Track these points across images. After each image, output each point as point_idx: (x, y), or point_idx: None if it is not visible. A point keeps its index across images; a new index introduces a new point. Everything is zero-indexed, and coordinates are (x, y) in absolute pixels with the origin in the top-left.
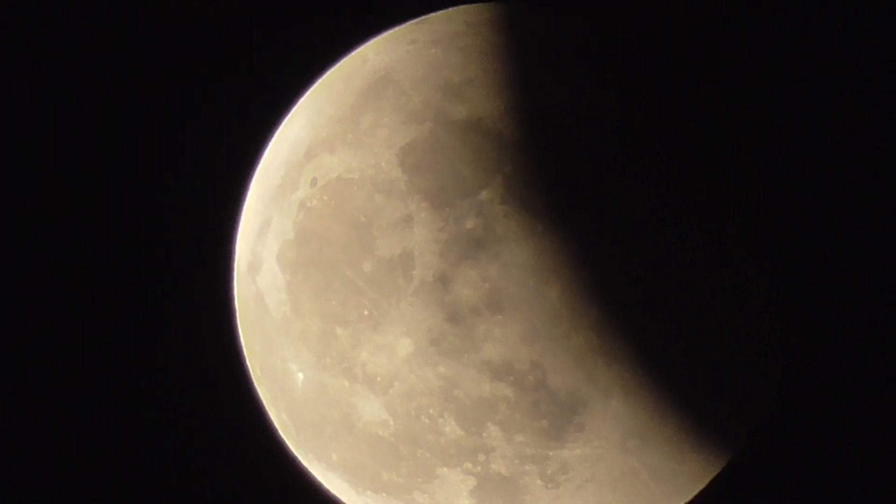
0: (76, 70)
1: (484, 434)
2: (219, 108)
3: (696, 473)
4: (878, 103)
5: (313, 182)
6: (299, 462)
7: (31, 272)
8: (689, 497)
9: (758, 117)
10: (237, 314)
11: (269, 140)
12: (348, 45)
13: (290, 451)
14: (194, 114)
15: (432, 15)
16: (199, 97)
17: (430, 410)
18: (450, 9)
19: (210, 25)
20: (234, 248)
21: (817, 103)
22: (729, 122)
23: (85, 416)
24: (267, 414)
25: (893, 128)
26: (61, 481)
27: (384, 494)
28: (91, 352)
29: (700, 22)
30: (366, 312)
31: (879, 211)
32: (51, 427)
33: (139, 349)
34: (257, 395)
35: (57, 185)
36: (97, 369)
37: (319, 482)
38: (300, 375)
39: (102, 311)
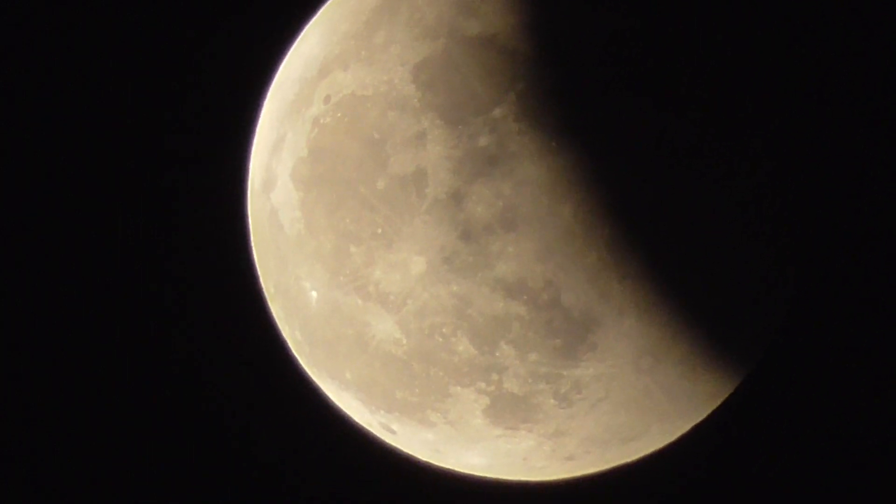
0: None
1: (497, 353)
2: (234, 25)
3: (710, 392)
4: None
5: (327, 99)
6: (312, 380)
7: (57, 199)
8: (703, 416)
9: (775, 49)
10: (251, 232)
11: (284, 57)
12: None
13: (304, 369)
14: (210, 30)
15: None
16: (215, 14)
17: (444, 329)
18: None
19: None
20: (247, 165)
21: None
22: (747, 46)
23: (102, 334)
24: (280, 332)
25: None
26: (83, 403)
27: (397, 413)
28: (108, 271)
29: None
30: (379, 230)
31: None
32: (73, 348)
33: (153, 268)
34: (270, 313)
35: (78, 102)
36: (114, 290)
37: (332, 401)
38: (314, 293)
39: (117, 231)
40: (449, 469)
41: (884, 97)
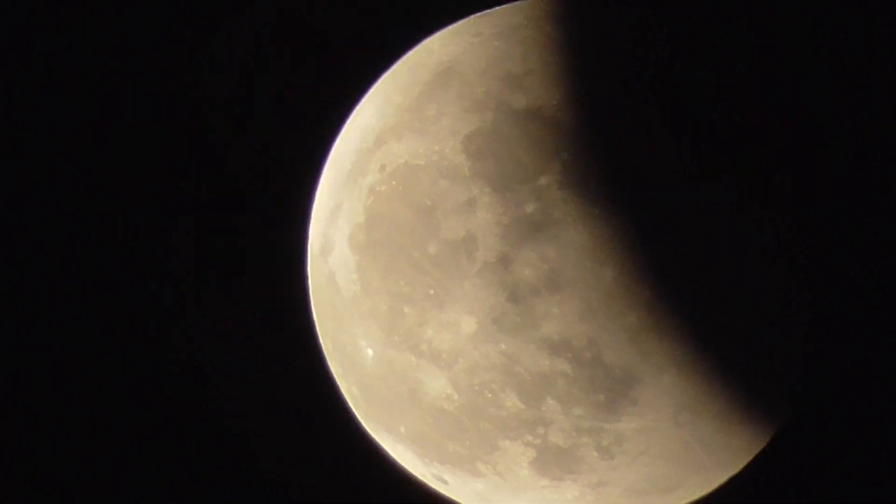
0: (171, 60)
1: (543, 407)
2: (296, 98)
3: (745, 446)
4: None
5: (382, 168)
6: (369, 434)
7: (129, 260)
8: (739, 468)
9: (804, 115)
10: (310, 293)
11: (341, 129)
12: (416, 37)
13: (360, 423)
14: (274, 103)
15: (495, 9)
16: (280, 87)
17: (493, 385)
18: (511, 3)
19: (292, 20)
20: (307, 231)
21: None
22: (777, 116)
23: (166, 386)
24: (338, 388)
25: None
26: (144, 450)
27: (449, 464)
28: (173, 329)
29: (756, 17)
30: (431, 292)
31: None
32: (136, 403)
33: (219, 327)
34: (329, 369)
35: (144, 172)
36: (179, 346)
37: (388, 453)
38: (369, 351)
39: (186, 291)
40: None
41: None
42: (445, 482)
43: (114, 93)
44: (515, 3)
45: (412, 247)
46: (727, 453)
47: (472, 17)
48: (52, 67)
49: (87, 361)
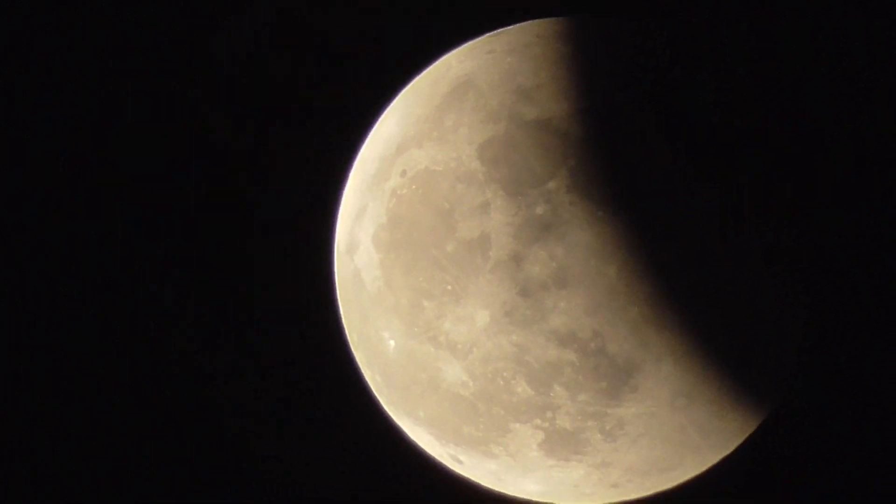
0: (202, 75)
1: (551, 394)
2: (324, 109)
3: (738, 429)
4: None
5: (403, 173)
6: (390, 418)
7: (164, 261)
8: (731, 449)
9: (802, 118)
10: (337, 289)
11: (366, 137)
12: (435, 54)
13: (383, 408)
14: (304, 116)
15: (508, 28)
16: (309, 101)
17: (505, 373)
18: (523, 23)
19: (326, 41)
20: (334, 231)
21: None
22: (774, 119)
23: (203, 374)
24: (363, 376)
25: None
26: (179, 435)
27: (464, 446)
28: (209, 320)
29: (750, 33)
30: (449, 287)
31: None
32: (174, 394)
33: (253, 322)
34: (354, 359)
35: (182, 176)
36: (215, 335)
37: (408, 435)
38: (391, 342)
39: (221, 287)
40: (509, 495)
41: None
42: (461, 462)
43: (153, 94)
44: (526, 22)
45: (431, 246)
46: (720, 436)
47: (486, 35)
48: (77, 70)
49: (143, 352)
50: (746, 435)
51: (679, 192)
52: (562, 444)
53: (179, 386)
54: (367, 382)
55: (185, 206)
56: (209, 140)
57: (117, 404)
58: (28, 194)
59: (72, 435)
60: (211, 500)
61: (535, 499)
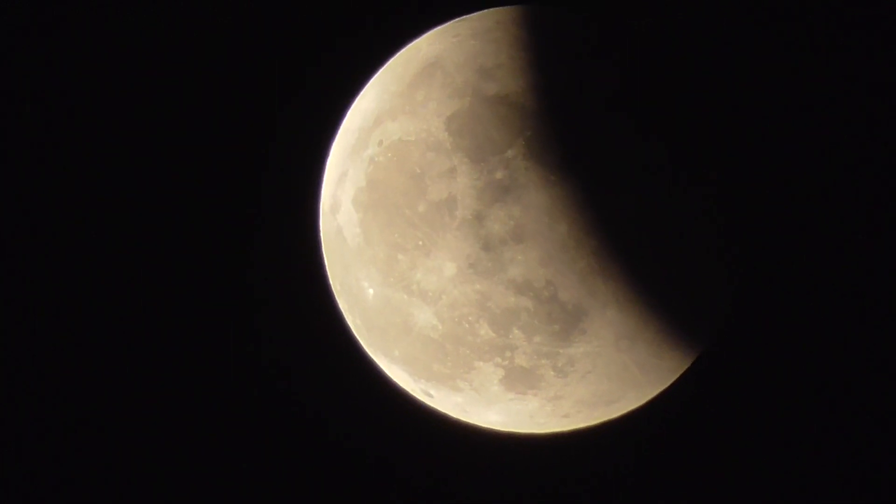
0: (200, 64)
1: (510, 336)
2: (309, 87)
3: (674, 366)
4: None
5: (380, 143)
6: (369, 357)
7: (163, 203)
8: (668, 384)
9: (729, 90)
10: (322, 244)
11: (347, 111)
12: (407, 38)
13: (363, 348)
14: (292, 92)
15: (471, 15)
16: (296, 80)
17: (469, 318)
18: (484, 10)
19: (310, 27)
20: (320, 193)
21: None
22: (703, 92)
23: (201, 318)
24: (344, 320)
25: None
26: (176, 371)
27: (434, 382)
28: (207, 272)
29: (684, 19)
30: (420, 242)
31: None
32: (173, 324)
33: (246, 275)
34: (337, 305)
35: (180, 148)
36: (211, 285)
37: (385, 372)
38: (370, 291)
39: (219, 241)
40: (474, 424)
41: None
42: (431, 396)
43: (144, 75)
44: (487, 10)
45: (405, 206)
46: (658, 373)
47: (452, 21)
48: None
49: (134, 324)
50: (681, 372)
51: (622, 158)
52: (519, 379)
53: (177, 324)
54: (348, 326)
55: (188, 173)
56: (210, 115)
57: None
58: (21, 193)
59: (69, 431)
60: (204, 426)
61: (496, 428)
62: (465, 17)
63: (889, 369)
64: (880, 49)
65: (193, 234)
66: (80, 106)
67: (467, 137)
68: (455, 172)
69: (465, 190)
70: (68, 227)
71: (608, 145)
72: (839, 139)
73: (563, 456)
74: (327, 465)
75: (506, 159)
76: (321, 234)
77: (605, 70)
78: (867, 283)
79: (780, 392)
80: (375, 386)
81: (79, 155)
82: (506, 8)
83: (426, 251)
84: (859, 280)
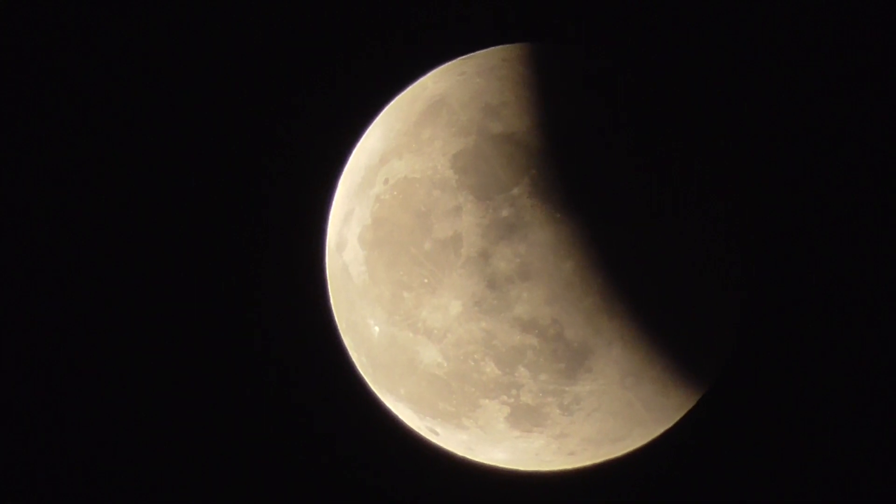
0: (209, 103)
1: (515, 374)
2: (315, 125)
3: (679, 404)
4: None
5: (386, 181)
6: (375, 394)
7: (175, 258)
8: (673, 422)
9: (729, 129)
10: (328, 282)
11: (353, 149)
12: (412, 76)
13: (368, 386)
14: (298, 131)
15: (476, 53)
16: (302, 118)
17: (475, 356)
18: (490, 48)
19: (318, 63)
20: (326, 231)
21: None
22: (707, 129)
23: (208, 357)
24: (350, 358)
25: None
26: (184, 423)
27: (440, 419)
28: (214, 311)
29: (682, 60)
30: (426, 280)
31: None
32: (179, 366)
33: (253, 312)
34: (343, 343)
35: (187, 187)
36: (222, 325)
37: (390, 410)
38: (376, 328)
39: (226, 279)
40: (479, 462)
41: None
42: (437, 434)
43: (161, 109)
44: (493, 48)
45: (410, 244)
46: (664, 411)
47: (457, 59)
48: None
49: (146, 352)
50: (686, 410)
51: (627, 197)
52: (525, 417)
53: (183, 361)
54: (354, 364)
55: (197, 210)
56: (218, 153)
57: (118, 394)
58: (22, 194)
59: (67, 432)
60: (210, 464)
61: (501, 465)
62: (470, 54)
63: None
64: (877, 79)
65: (200, 272)
66: (86, 132)
67: (473, 175)
68: (461, 210)
69: (470, 228)
70: (77, 255)
71: (613, 183)
72: (845, 174)
73: (568, 494)
74: (334, 502)
75: (511, 197)
76: (327, 272)
77: (610, 107)
78: (872, 322)
79: (786, 431)
80: (381, 423)
81: (87, 182)
82: (511, 45)
83: (432, 289)
84: (865, 319)
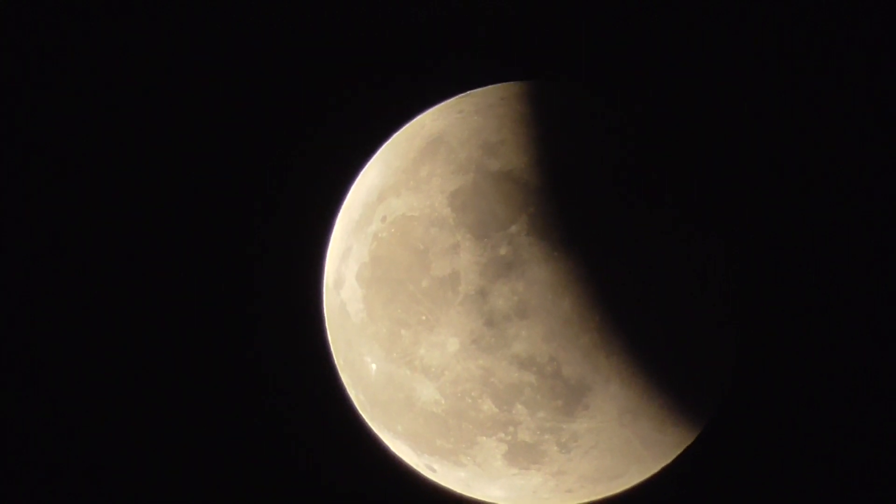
0: (210, 137)
1: (513, 411)
2: (313, 162)
3: (677, 441)
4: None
5: (384, 218)
6: (373, 431)
7: (173, 294)
8: (671, 459)
9: (724, 162)
10: (325, 320)
11: (351, 186)
12: (410, 113)
13: (366, 423)
14: (295, 168)
15: (474, 90)
16: (299, 155)
17: (473, 393)
18: (488, 86)
19: (315, 102)
20: (323, 269)
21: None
22: (705, 166)
23: (206, 394)
24: (348, 395)
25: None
26: (182, 457)
27: (437, 456)
28: (210, 349)
29: (680, 95)
30: (423, 318)
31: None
32: (176, 404)
33: (250, 351)
34: (340, 380)
35: (183, 222)
36: (220, 363)
37: (388, 447)
38: (373, 366)
39: (223, 317)
40: (477, 499)
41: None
42: (434, 471)
43: (165, 138)
44: (491, 86)
45: (408, 281)
46: (661, 447)
47: (456, 97)
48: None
49: (142, 377)
50: (684, 447)
51: (624, 235)
52: (523, 455)
53: (182, 399)
54: (352, 401)
55: (195, 246)
56: (217, 190)
57: (111, 413)
58: (26, 195)
59: (65, 437)
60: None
61: (499, 503)
62: (468, 92)
63: None
64: (879, 102)
65: (197, 309)
66: (87, 146)
67: (471, 213)
68: (458, 248)
69: (468, 266)
70: (77, 268)
71: (611, 221)
72: (841, 208)
73: None
74: None
75: (509, 235)
76: (325, 310)
77: (608, 144)
78: (870, 360)
79: (783, 469)
80: (379, 461)
81: (86, 197)
82: (509, 84)
83: (429, 327)
84: (863, 357)
